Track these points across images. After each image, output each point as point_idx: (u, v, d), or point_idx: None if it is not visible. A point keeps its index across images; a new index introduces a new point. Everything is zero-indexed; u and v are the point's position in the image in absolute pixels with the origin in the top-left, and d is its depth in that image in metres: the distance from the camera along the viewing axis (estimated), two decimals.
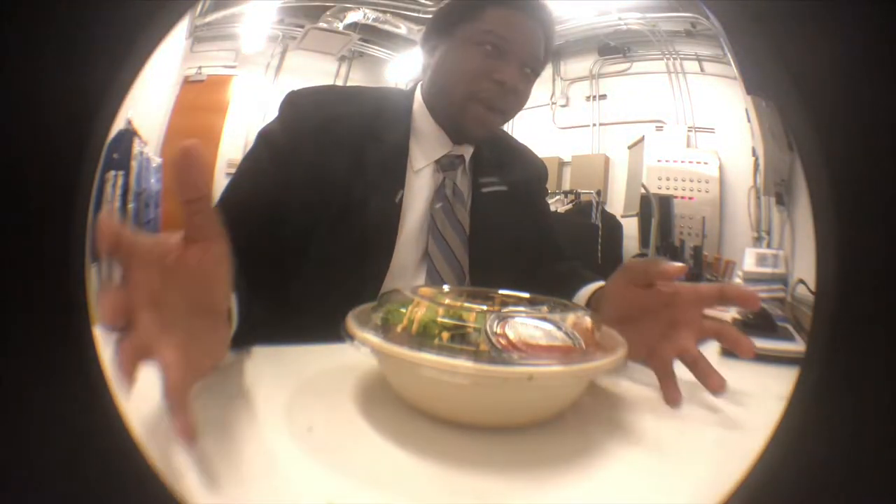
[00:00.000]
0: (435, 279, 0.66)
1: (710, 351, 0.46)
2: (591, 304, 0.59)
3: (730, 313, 0.93)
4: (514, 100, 0.67)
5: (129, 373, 0.26)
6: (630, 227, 2.62)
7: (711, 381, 0.42)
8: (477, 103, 0.66)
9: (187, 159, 0.29)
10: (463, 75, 0.66)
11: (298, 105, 0.66)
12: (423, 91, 0.72)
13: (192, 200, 0.30)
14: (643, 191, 2.48)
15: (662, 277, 0.46)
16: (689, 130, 2.78)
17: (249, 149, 0.67)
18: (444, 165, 0.70)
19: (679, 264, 0.45)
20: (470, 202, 0.72)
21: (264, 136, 0.66)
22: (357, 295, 0.43)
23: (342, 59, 3.34)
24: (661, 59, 2.88)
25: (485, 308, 0.36)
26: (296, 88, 0.68)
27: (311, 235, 0.63)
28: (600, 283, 0.61)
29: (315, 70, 3.26)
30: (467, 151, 0.72)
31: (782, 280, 1.46)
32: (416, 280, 0.67)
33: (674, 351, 0.44)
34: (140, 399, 0.30)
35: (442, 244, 0.68)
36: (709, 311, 0.46)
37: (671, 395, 0.43)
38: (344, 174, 0.63)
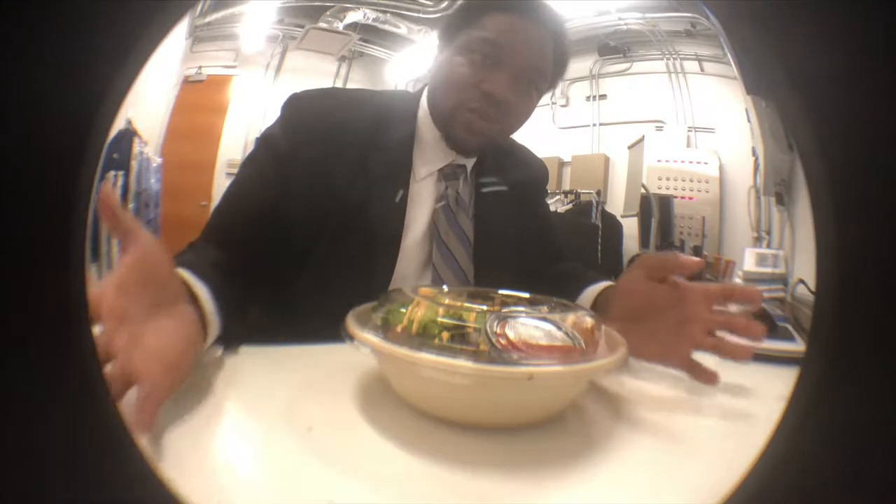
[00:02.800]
0: (438, 286, 0.66)
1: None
2: (598, 304, 0.59)
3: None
4: (506, 112, 0.64)
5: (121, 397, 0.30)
6: (630, 227, 2.62)
7: (738, 352, 0.45)
8: (466, 113, 0.63)
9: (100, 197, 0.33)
10: (451, 83, 0.63)
11: (301, 109, 0.65)
12: (427, 97, 0.70)
13: (107, 217, 0.34)
14: (643, 191, 2.48)
15: (680, 271, 0.48)
16: (689, 130, 2.78)
17: (251, 151, 0.67)
18: (447, 175, 0.69)
19: (696, 259, 0.47)
20: (472, 207, 0.72)
21: (266, 140, 0.65)
22: (361, 300, 0.43)
23: (342, 59, 3.34)
24: (661, 59, 2.88)
25: (485, 308, 0.36)
26: (298, 91, 0.67)
27: (314, 240, 0.62)
28: (607, 283, 0.61)
29: (315, 70, 3.25)
30: (469, 161, 0.71)
31: (782, 280, 1.46)
32: None
33: (690, 345, 0.46)
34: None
35: (445, 252, 0.67)
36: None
37: (705, 377, 0.45)
38: (345, 181, 0.62)
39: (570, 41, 0.69)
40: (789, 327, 0.81)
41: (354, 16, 3.08)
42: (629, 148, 2.95)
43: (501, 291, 0.46)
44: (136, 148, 2.53)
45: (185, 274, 0.42)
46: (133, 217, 0.36)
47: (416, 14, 3.01)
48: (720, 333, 0.46)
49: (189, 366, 0.36)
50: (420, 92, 0.72)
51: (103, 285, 0.33)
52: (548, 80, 0.67)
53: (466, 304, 0.37)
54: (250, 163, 0.66)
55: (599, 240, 2.28)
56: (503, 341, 0.34)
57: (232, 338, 0.46)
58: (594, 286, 0.62)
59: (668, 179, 2.65)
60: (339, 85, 3.28)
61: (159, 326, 0.34)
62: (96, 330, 0.31)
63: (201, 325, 0.40)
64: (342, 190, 0.62)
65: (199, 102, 3.12)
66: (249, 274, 0.55)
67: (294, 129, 0.64)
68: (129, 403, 0.29)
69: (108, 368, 0.30)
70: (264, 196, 0.62)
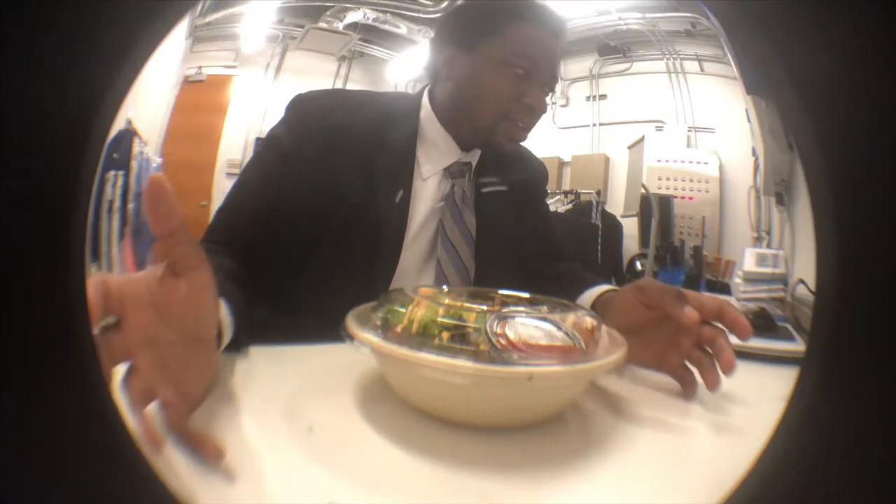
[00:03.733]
0: (442, 282, 0.67)
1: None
2: (596, 307, 0.60)
3: None
4: (539, 118, 0.69)
5: (140, 414, 0.28)
6: (630, 227, 2.62)
7: (710, 380, 0.45)
8: (507, 122, 0.67)
9: (152, 194, 0.29)
10: (494, 98, 0.66)
11: (305, 110, 0.66)
12: (431, 98, 0.71)
13: (167, 235, 0.30)
14: (643, 191, 2.48)
15: (675, 319, 0.46)
16: (689, 130, 2.78)
17: (255, 152, 0.68)
18: (454, 173, 0.70)
19: (695, 315, 0.45)
20: (473, 205, 0.72)
21: (270, 140, 0.66)
22: (364, 298, 0.43)
23: (342, 59, 3.34)
24: (661, 59, 2.88)
25: (485, 308, 0.36)
26: (302, 92, 0.68)
27: (317, 240, 0.63)
28: (606, 287, 0.61)
29: (315, 70, 3.25)
30: (474, 158, 0.72)
31: (782, 280, 1.46)
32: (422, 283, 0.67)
33: (682, 356, 0.47)
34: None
35: (449, 248, 0.68)
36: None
37: (689, 389, 0.46)
38: (349, 180, 0.63)
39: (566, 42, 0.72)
40: (789, 327, 0.81)
41: (354, 16, 3.08)
42: (629, 148, 2.95)
43: (501, 291, 0.46)
44: (136, 148, 2.53)
45: None
46: (199, 246, 0.32)
47: (416, 14, 3.01)
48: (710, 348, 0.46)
49: (207, 393, 0.37)
50: (420, 93, 0.72)
51: (139, 305, 0.29)
52: (557, 82, 0.71)
53: (466, 304, 0.37)
54: (254, 163, 0.67)
55: (599, 240, 2.28)
56: (503, 341, 0.34)
57: (240, 342, 0.45)
58: (593, 289, 0.62)
59: (668, 179, 2.65)
60: (339, 85, 3.28)
61: (187, 361, 0.32)
62: (110, 323, 0.29)
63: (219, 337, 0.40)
64: (345, 190, 0.63)
65: (199, 102, 3.12)
66: (253, 274, 0.55)
67: (298, 129, 0.64)
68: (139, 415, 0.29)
69: (126, 379, 0.29)
70: (268, 196, 0.62)
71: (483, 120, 0.67)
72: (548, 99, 0.69)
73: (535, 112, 0.67)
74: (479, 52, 0.66)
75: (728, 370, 0.43)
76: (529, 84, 0.65)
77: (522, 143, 0.83)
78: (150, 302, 0.30)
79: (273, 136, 0.66)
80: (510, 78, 0.65)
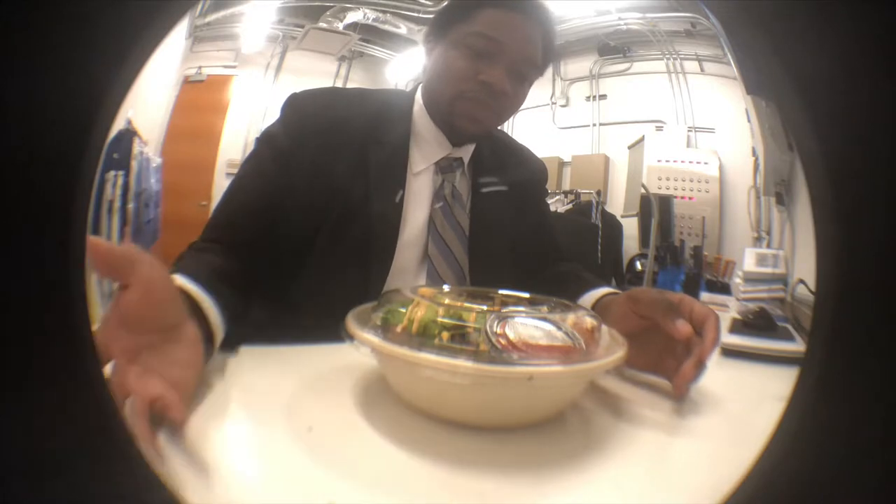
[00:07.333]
0: (435, 280, 0.67)
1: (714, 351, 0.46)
2: (596, 309, 0.60)
3: (730, 313, 0.93)
4: (503, 101, 0.66)
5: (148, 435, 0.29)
6: (630, 227, 2.62)
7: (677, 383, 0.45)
8: (464, 101, 0.65)
9: (96, 258, 0.33)
10: (450, 75, 0.65)
11: (301, 107, 0.66)
12: (422, 93, 0.72)
13: (98, 264, 0.33)
14: (643, 191, 2.48)
15: (667, 332, 0.46)
16: (689, 130, 2.78)
17: (252, 150, 0.68)
18: (443, 168, 0.70)
19: (687, 329, 0.45)
20: (469, 203, 0.72)
21: (266, 138, 0.66)
22: (359, 296, 0.44)
23: (342, 59, 3.34)
24: (661, 59, 2.88)
25: (485, 308, 0.36)
26: (298, 91, 0.68)
27: (314, 237, 0.63)
28: (605, 290, 0.61)
29: (315, 70, 3.26)
30: (466, 154, 0.72)
31: (782, 280, 1.46)
32: (417, 281, 0.67)
33: (677, 360, 0.47)
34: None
35: (441, 245, 0.68)
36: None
37: (679, 391, 0.45)
38: (345, 176, 0.64)
39: (557, 33, 0.71)
40: (789, 327, 0.81)
41: (354, 16, 3.08)
42: (629, 148, 2.96)
43: (501, 291, 0.46)
44: (136, 148, 2.53)
45: (188, 286, 0.42)
46: (126, 247, 0.35)
47: (416, 14, 3.02)
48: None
49: (198, 383, 0.38)
50: (414, 90, 0.73)
51: (110, 324, 0.33)
52: (539, 70, 0.69)
53: (466, 304, 0.37)
54: (251, 162, 0.67)
55: (599, 240, 2.28)
56: (503, 341, 0.34)
57: (233, 339, 0.46)
58: (593, 291, 0.62)
59: (668, 179, 2.65)
60: (339, 85, 3.28)
61: (170, 356, 0.35)
62: (108, 368, 0.32)
63: (207, 336, 0.40)
64: (342, 187, 0.63)
65: (199, 102, 3.13)
66: (250, 273, 0.55)
67: (294, 126, 0.65)
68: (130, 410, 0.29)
69: (129, 406, 0.30)
70: (265, 193, 0.62)
71: (443, 98, 0.67)
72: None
73: (492, 90, 0.64)
74: (447, 37, 0.66)
75: (683, 382, 0.44)
76: (489, 63, 0.64)
77: (521, 143, 0.84)
78: (120, 321, 0.34)
79: (269, 133, 0.66)
80: (466, 56, 0.64)
